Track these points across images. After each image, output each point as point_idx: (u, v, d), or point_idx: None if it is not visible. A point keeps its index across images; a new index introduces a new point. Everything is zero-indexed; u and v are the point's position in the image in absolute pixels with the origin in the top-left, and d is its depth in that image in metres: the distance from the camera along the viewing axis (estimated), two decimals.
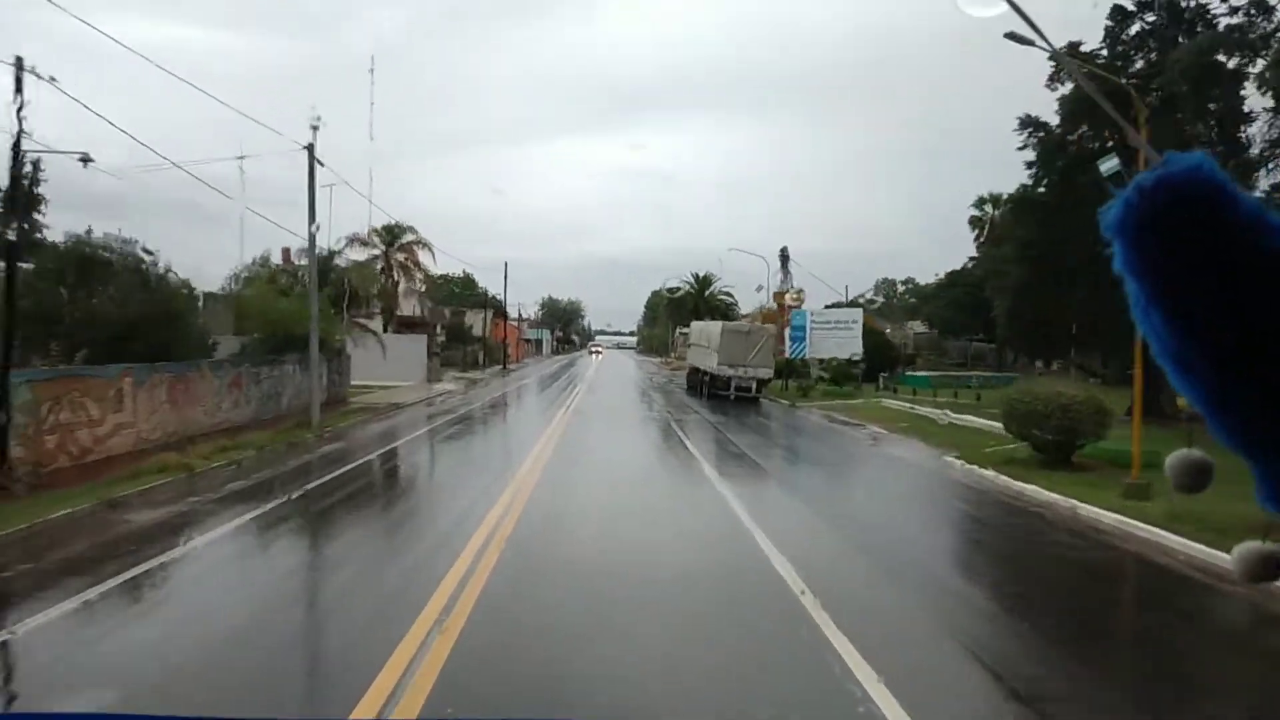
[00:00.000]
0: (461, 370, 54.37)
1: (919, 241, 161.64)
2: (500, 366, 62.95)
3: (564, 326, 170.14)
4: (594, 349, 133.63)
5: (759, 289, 56.61)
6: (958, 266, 72.16)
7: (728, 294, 71.14)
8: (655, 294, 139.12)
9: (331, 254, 35.14)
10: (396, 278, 45.07)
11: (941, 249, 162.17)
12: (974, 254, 71.17)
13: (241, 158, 26.32)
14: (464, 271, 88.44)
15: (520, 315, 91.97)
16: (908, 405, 32.27)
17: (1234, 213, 0.67)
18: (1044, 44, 3.06)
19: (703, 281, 72.13)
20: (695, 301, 70.54)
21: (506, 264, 67.50)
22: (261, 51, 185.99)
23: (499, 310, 74.41)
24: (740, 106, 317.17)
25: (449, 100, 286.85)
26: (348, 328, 32.99)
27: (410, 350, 41.13)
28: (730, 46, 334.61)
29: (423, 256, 46.07)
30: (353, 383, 33.22)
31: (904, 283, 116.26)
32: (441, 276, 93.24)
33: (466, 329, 68.20)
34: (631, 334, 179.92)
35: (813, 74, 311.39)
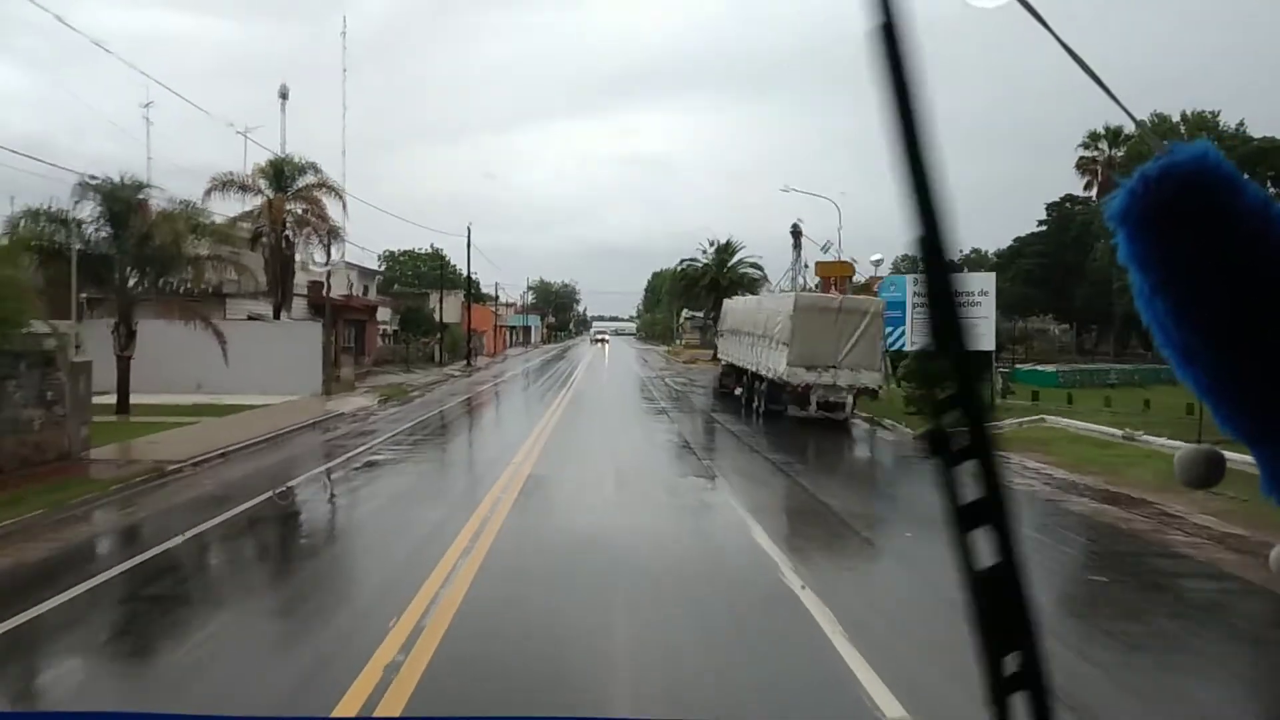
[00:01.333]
0: (403, 370, 39.97)
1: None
2: (465, 363, 48.55)
3: (557, 312, 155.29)
4: (598, 336, 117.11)
5: (826, 247, 42.02)
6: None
7: (756, 265, 56.25)
8: (657, 274, 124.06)
9: (134, 185, 20.71)
10: (293, 238, 30.46)
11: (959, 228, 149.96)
12: (1043, 218, 59.42)
13: None
14: (432, 246, 73.99)
15: (497, 296, 77.43)
16: (1093, 427, 18.12)
17: (1240, 203, 0.65)
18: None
19: (723, 250, 56.85)
20: (713, 276, 55.66)
21: (470, 227, 52.95)
22: (250, 39, 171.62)
23: (470, 291, 59.81)
24: (739, 90, 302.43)
25: (438, 87, 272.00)
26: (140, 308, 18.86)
27: (298, 346, 26.83)
28: (729, 28, 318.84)
29: (334, 209, 31.11)
30: (200, 400, 19.97)
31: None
32: (405, 253, 78.96)
33: (428, 314, 53.88)
34: (630, 319, 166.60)
35: (814, 55, 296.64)
